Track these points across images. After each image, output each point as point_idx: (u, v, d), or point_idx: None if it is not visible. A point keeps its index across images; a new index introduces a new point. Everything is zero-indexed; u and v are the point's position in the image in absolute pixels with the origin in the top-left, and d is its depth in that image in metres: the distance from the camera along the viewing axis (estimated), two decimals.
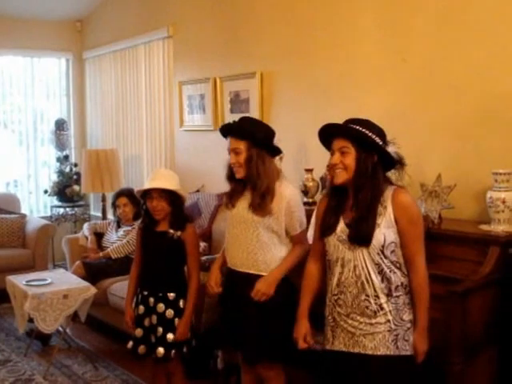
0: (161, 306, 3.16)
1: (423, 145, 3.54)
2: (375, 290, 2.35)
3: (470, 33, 3.34)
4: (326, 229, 2.48)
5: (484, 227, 3.09)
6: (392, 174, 2.51)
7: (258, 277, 2.86)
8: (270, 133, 2.92)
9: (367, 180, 2.33)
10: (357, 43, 3.95)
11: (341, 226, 2.42)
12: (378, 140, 2.34)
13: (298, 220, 2.89)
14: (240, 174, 2.86)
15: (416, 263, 2.36)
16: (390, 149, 2.40)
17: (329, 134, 2.43)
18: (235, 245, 2.93)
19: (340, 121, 2.47)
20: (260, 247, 2.86)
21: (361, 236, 2.34)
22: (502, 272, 2.82)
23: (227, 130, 2.93)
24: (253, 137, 2.84)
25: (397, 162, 2.41)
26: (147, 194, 3.16)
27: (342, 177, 2.37)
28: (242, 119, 3.01)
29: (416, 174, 3.37)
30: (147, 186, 3.18)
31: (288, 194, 2.87)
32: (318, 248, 2.57)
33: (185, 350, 3.21)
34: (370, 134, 2.33)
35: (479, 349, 2.77)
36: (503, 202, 3.01)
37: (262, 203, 2.81)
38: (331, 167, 2.39)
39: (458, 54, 3.41)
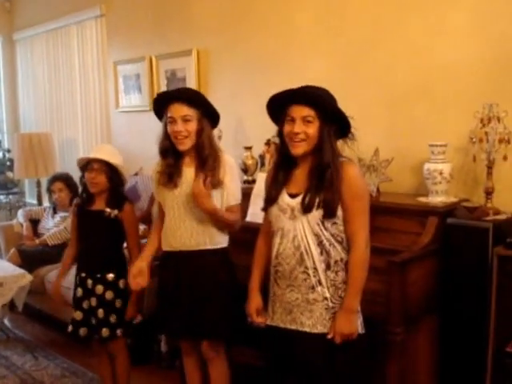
0: (99, 288, 3.08)
1: (360, 119, 3.47)
2: (314, 263, 2.30)
3: (405, 7, 3.34)
4: (269, 200, 2.42)
5: (422, 199, 3.11)
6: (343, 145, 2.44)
7: (210, 252, 2.76)
8: (210, 102, 2.80)
9: (333, 150, 2.27)
10: (292, 19, 3.91)
11: (283, 197, 2.36)
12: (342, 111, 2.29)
13: (235, 191, 2.79)
14: (186, 145, 2.68)
15: (357, 240, 2.30)
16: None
17: (286, 101, 2.31)
18: (184, 225, 2.75)
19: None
20: (213, 221, 2.74)
21: (329, 209, 2.27)
22: (441, 242, 2.85)
23: (173, 96, 2.71)
24: (204, 105, 2.71)
25: (352, 133, 2.36)
26: (88, 165, 3.07)
27: (302, 147, 2.29)
28: (184, 88, 2.89)
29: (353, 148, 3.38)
30: (90, 155, 3.10)
31: (229, 163, 2.78)
32: (268, 221, 2.50)
33: (137, 321, 3.18)
34: (337, 106, 2.27)
35: (420, 318, 2.80)
36: (440, 173, 3.03)
37: (212, 178, 2.68)
38: (291, 136, 2.29)
39: (393, 27, 3.41)
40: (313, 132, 2.26)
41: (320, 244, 2.30)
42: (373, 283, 2.66)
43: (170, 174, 2.76)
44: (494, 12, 3.01)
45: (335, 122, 2.29)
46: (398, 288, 2.61)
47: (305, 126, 2.26)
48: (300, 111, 2.27)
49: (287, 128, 2.31)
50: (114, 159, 3.10)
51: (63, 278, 3.25)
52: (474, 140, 2.94)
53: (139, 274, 2.81)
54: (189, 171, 2.75)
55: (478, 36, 3.08)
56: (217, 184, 2.70)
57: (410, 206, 3.06)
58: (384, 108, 3.48)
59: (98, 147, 3.30)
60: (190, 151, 2.74)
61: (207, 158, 2.70)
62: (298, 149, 2.30)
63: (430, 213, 2.93)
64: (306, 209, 2.28)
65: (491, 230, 2.70)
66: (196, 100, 2.71)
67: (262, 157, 3.89)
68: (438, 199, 3.04)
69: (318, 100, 2.25)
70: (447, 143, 3.06)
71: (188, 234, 2.76)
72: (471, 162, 3.03)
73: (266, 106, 2.42)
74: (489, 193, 2.93)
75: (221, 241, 2.81)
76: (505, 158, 2.88)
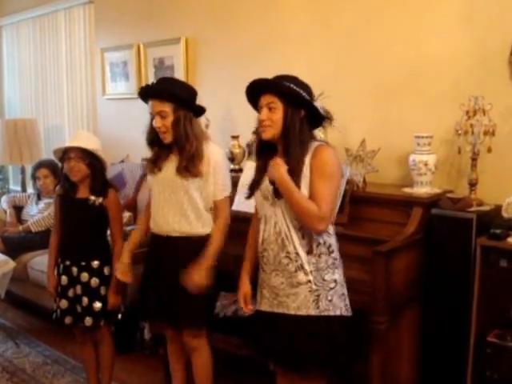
0: (85, 276, 3.07)
1: (347, 110, 3.55)
2: (295, 247, 2.33)
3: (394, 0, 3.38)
4: (253, 186, 2.47)
5: (407, 190, 3.14)
6: (319, 132, 2.48)
7: (190, 238, 2.77)
8: (193, 92, 2.81)
9: (295, 135, 2.31)
10: (283, 8, 3.91)
11: (265, 183, 2.40)
12: (305, 95, 2.33)
13: (221, 184, 2.80)
14: (167, 138, 2.74)
15: (321, 203, 2.25)
16: (317, 105, 2.39)
17: (256, 91, 2.39)
18: (165, 210, 2.80)
19: None
20: (192, 210, 2.76)
21: None
22: (425, 232, 2.87)
23: (148, 93, 2.77)
24: (178, 98, 2.71)
25: (324, 118, 2.40)
26: (65, 155, 3.04)
27: (269, 132, 2.35)
28: (163, 80, 2.89)
29: (340, 139, 3.39)
30: (65, 145, 3.07)
31: (214, 156, 2.78)
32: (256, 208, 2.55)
33: (119, 316, 3.16)
34: (297, 90, 2.31)
35: (403, 307, 2.83)
36: (425, 164, 3.05)
37: (190, 166, 2.71)
38: (260, 123, 2.37)
39: (381, 19, 3.42)
40: (277, 118, 2.32)
41: (301, 229, 2.33)
42: (357, 272, 2.70)
43: (154, 162, 2.82)
44: (482, 5, 3.03)
45: (304, 108, 2.34)
46: (382, 277, 2.63)
47: (270, 112, 2.33)
48: (265, 99, 2.35)
49: (258, 116, 2.39)
50: (90, 144, 3.06)
51: (55, 269, 3.22)
52: (459, 132, 2.96)
53: (124, 272, 2.92)
54: (173, 159, 2.78)
55: (465, 29, 3.10)
56: (196, 173, 2.73)
57: (395, 196, 3.08)
58: (371, 99, 3.49)
59: (73, 136, 3.26)
60: (172, 143, 2.78)
61: (184, 148, 2.72)
62: (266, 133, 2.37)
63: (415, 203, 2.95)
64: (277, 194, 2.33)
65: (474, 221, 2.73)
66: (166, 95, 2.70)
67: (249, 146, 3.89)
68: (422, 190, 3.07)
69: (278, 87, 2.32)
70: (433, 135, 3.09)
71: (167, 219, 2.80)
72: (456, 154, 3.06)
73: (247, 98, 2.48)
74: (473, 184, 2.96)
75: (199, 228, 2.80)
76: (489, 150, 2.90)
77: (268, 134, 2.36)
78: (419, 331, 2.94)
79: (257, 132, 2.47)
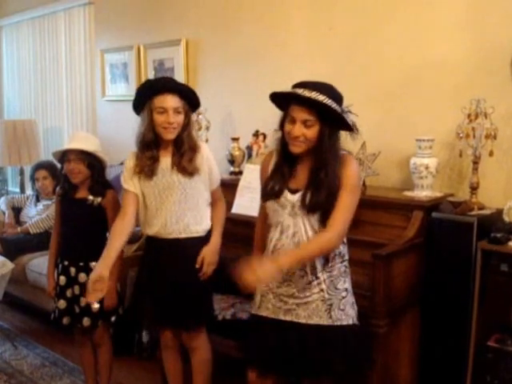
0: (83, 276, 3.06)
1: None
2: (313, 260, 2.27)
3: (394, 3, 3.36)
4: (269, 193, 2.35)
5: (408, 193, 3.12)
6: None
7: (189, 240, 2.77)
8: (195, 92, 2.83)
9: (332, 151, 2.23)
10: (283, 10, 3.91)
11: (285, 192, 2.31)
12: (346, 116, 2.23)
13: (215, 174, 2.86)
14: (173, 135, 2.70)
15: (332, 230, 2.22)
16: (349, 118, 2.27)
17: (288, 100, 2.26)
18: (161, 213, 2.76)
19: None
20: (189, 209, 2.75)
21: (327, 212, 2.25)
22: (426, 236, 2.86)
23: (164, 87, 2.68)
24: (192, 97, 2.75)
25: (354, 131, 2.30)
26: (65, 156, 3.03)
27: (301, 148, 2.25)
28: (171, 79, 2.88)
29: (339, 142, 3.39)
30: (64, 147, 3.06)
31: (204, 151, 2.80)
32: (264, 211, 2.46)
33: (113, 319, 3.14)
34: (338, 110, 2.19)
35: (403, 311, 2.82)
36: (426, 167, 3.04)
37: (190, 165, 2.71)
38: (291, 136, 2.24)
39: (383, 24, 3.42)
40: (312, 135, 2.21)
41: None
42: (357, 276, 2.67)
43: (149, 165, 2.75)
44: (484, 8, 3.02)
45: (336, 121, 2.23)
46: (382, 281, 2.62)
47: (305, 128, 2.21)
48: (301, 114, 2.20)
49: (287, 127, 2.25)
50: (89, 145, 3.05)
51: (54, 271, 3.20)
52: (460, 135, 2.95)
53: (99, 281, 2.53)
54: (165, 161, 2.76)
55: (467, 32, 3.09)
56: (193, 171, 2.73)
57: (396, 200, 3.07)
58: (372, 102, 3.48)
59: (72, 136, 3.25)
60: (169, 141, 2.75)
61: (186, 151, 2.73)
62: (297, 148, 2.26)
63: (415, 207, 2.94)
64: (310, 209, 2.24)
65: (475, 225, 2.72)
66: (186, 92, 2.73)
67: (249, 148, 3.88)
68: (423, 193, 3.06)
69: (321, 106, 2.17)
70: (434, 138, 3.08)
71: (162, 222, 2.77)
72: (457, 157, 3.05)
73: (270, 98, 2.33)
74: (474, 188, 2.95)
75: (197, 230, 2.80)
76: (491, 153, 2.89)
77: (299, 150, 2.25)
78: (419, 335, 2.93)
79: (282, 138, 2.33)
